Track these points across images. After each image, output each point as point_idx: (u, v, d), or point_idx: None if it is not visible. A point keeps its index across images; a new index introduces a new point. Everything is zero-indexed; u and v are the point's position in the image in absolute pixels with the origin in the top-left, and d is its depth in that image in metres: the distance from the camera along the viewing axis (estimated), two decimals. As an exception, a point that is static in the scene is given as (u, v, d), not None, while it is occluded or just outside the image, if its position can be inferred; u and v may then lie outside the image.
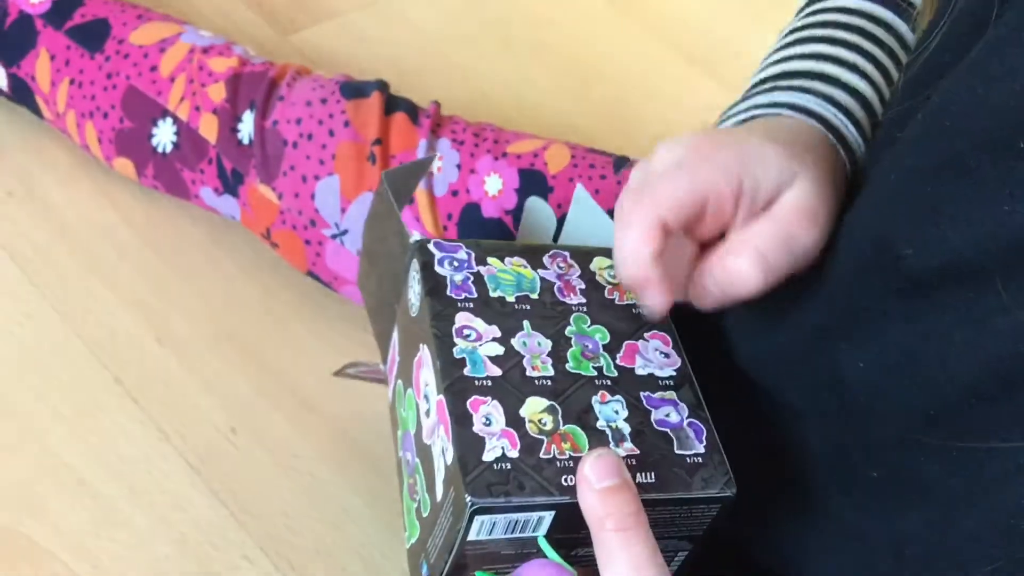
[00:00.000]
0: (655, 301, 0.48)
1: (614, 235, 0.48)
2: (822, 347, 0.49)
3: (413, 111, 0.77)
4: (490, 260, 0.55)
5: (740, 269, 0.48)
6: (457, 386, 0.48)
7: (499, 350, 0.50)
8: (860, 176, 0.52)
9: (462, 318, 0.51)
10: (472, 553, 0.46)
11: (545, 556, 0.47)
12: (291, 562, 0.70)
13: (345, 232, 0.75)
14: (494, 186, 0.74)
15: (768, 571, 0.55)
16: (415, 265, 0.54)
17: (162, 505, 0.71)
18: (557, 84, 1.07)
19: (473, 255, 0.55)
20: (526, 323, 0.52)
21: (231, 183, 0.78)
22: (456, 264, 0.54)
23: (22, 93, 0.84)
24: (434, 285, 0.53)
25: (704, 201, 0.47)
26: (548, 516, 0.45)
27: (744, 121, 0.54)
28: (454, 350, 0.50)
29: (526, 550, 0.47)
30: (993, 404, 0.42)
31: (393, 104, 0.77)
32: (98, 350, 0.78)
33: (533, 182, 0.74)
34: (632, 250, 0.47)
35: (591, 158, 0.76)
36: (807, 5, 0.60)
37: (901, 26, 0.57)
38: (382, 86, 0.78)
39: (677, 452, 0.48)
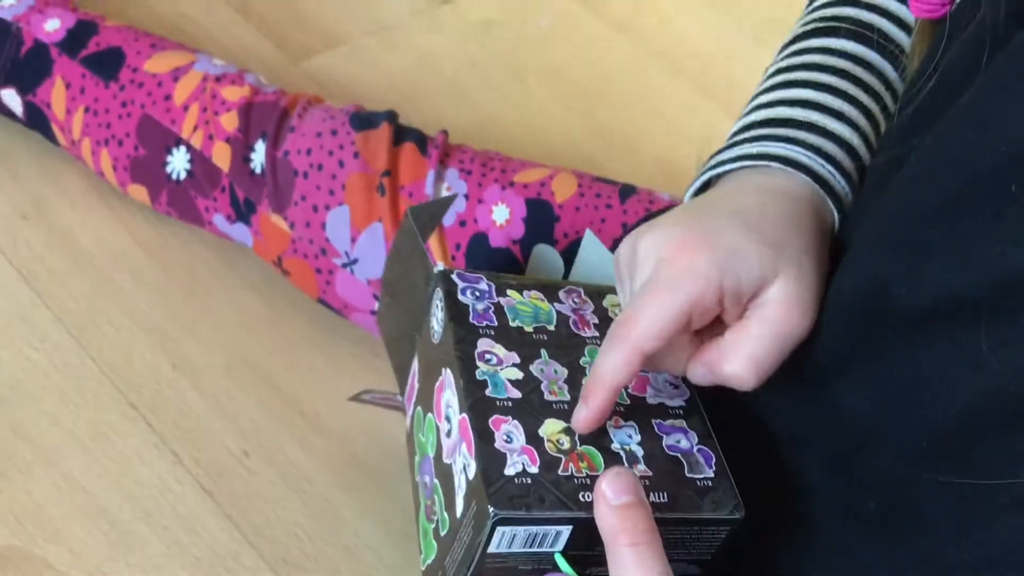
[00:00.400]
0: (588, 419, 0.49)
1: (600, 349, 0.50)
2: (821, 384, 0.51)
3: (422, 141, 0.78)
4: (509, 292, 0.57)
5: (736, 374, 0.49)
6: (480, 405, 0.50)
7: (519, 375, 0.52)
8: (850, 223, 0.53)
9: (484, 343, 0.54)
10: (491, 567, 0.48)
11: (560, 572, 0.48)
12: (304, 585, 0.71)
13: (355, 261, 0.76)
14: (501, 216, 0.75)
15: None
16: (439, 294, 0.57)
17: (176, 529, 0.72)
18: (564, 108, 1.09)
19: (494, 286, 0.57)
20: (543, 351, 0.54)
21: (244, 211, 0.79)
22: (478, 294, 0.56)
23: (38, 120, 0.86)
24: (457, 312, 0.55)
25: (688, 316, 0.48)
26: (566, 531, 0.47)
27: (732, 172, 0.55)
28: (476, 372, 0.52)
29: (542, 566, 0.48)
30: (986, 440, 0.42)
31: (402, 135, 0.78)
32: (113, 374, 0.79)
33: (540, 211, 0.75)
34: (608, 373, 0.48)
35: (597, 187, 0.77)
36: (789, 44, 0.60)
37: (886, 67, 0.58)
38: (391, 117, 0.79)
39: (688, 475, 0.50)
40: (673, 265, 0.49)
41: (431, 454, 0.55)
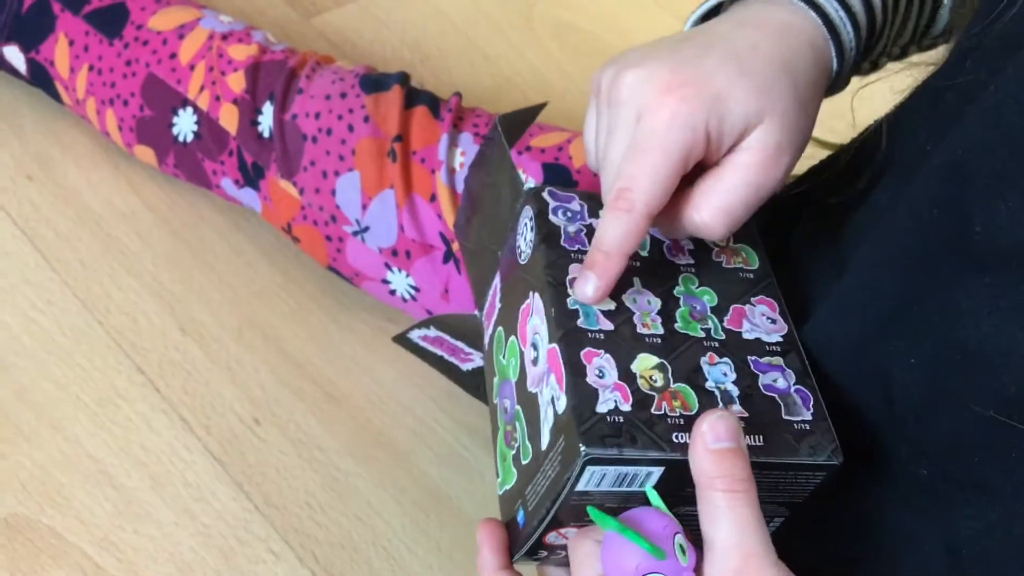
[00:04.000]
0: (602, 289, 0.49)
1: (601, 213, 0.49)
2: (875, 343, 0.49)
3: (435, 104, 0.76)
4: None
5: (705, 224, 0.49)
6: (572, 336, 0.48)
7: (611, 305, 0.50)
8: (892, 144, 0.52)
9: (575, 269, 0.51)
10: (577, 503, 0.46)
11: (647, 507, 0.46)
12: (316, 556, 0.70)
13: (366, 229, 0.74)
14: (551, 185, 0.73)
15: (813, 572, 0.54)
16: (528, 212, 0.54)
17: (186, 497, 0.71)
18: (581, 67, 1.06)
19: (586, 207, 0.55)
20: (636, 280, 0.51)
21: (252, 176, 0.77)
22: (570, 215, 0.54)
23: (41, 78, 0.84)
24: (548, 233, 0.52)
25: (683, 170, 0.48)
26: (657, 472, 0.45)
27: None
28: (568, 300, 0.50)
29: (628, 504, 0.47)
30: None
31: (414, 97, 0.76)
32: (120, 338, 0.78)
33: (557, 176, 0.73)
34: (617, 242, 0.48)
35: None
36: None
37: None
38: (402, 79, 0.77)
39: (785, 418, 0.48)
40: (657, 116, 0.47)
41: (513, 379, 0.53)
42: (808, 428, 0.47)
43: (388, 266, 0.75)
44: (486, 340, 0.60)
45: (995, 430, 0.43)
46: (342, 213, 0.75)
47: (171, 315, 0.79)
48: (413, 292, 0.76)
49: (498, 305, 0.58)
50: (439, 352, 0.64)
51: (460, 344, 0.63)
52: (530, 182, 0.54)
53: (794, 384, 0.49)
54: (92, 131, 0.88)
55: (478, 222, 0.62)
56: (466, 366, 0.64)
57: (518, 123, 0.60)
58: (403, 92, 0.75)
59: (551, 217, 0.53)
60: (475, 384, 0.64)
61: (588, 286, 0.48)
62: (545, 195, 0.54)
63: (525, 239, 0.54)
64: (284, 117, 0.75)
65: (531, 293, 0.52)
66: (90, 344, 0.77)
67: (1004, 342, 0.42)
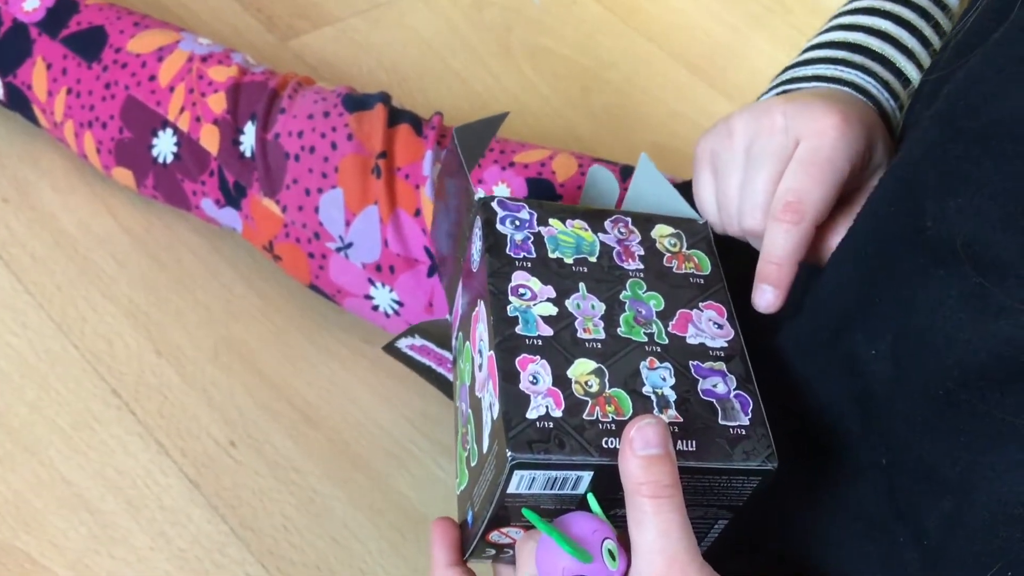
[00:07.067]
0: (780, 297, 0.53)
1: (764, 236, 0.53)
2: (842, 336, 0.50)
3: (417, 123, 0.77)
4: (551, 221, 0.55)
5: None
6: (508, 343, 0.49)
7: (552, 310, 0.51)
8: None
9: (519, 277, 0.52)
10: (512, 505, 0.47)
11: (584, 510, 0.47)
12: (292, 579, 0.70)
13: (349, 245, 0.75)
14: (502, 195, 0.74)
15: (784, 561, 0.55)
16: (478, 222, 0.55)
17: (161, 521, 0.71)
18: (558, 91, 1.07)
19: (536, 215, 0.55)
20: (582, 285, 0.52)
21: (233, 195, 0.77)
22: (518, 223, 0.55)
23: (18, 102, 0.83)
24: (494, 242, 0.53)
25: (844, 186, 0.52)
26: (587, 476, 0.46)
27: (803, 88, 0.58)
28: (508, 308, 0.50)
29: (566, 506, 0.47)
30: (1000, 388, 0.42)
31: (396, 116, 0.76)
32: (95, 361, 0.77)
33: (541, 190, 0.74)
34: (789, 254, 0.52)
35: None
36: None
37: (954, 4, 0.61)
38: (385, 98, 0.77)
39: (721, 423, 0.48)
40: (826, 135, 0.52)
41: (467, 383, 0.54)
42: (744, 433, 0.48)
43: (372, 281, 0.75)
44: (452, 343, 0.60)
45: (944, 413, 0.44)
46: (325, 230, 0.75)
47: (147, 338, 0.79)
48: (396, 307, 0.76)
49: (459, 312, 0.59)
50: (427, 362, 0.65)
51: (444, 353, 0.64)
52: (479, 193, 0.55)
53: (734, 389, 0.50)
54: (69, 154, 0.87)
55: (444, 231, 0.63)
56: (452, 376, 0.64)
57: (477, 135, 0.61)
58: (386, 111, 0.76)
59: (498, 226, 0.54)
60: None
61: (767, 296, 0.53)
62: (494, 205, 0.55)
63: (475, 247, 0.55)
64: (266, 136, 0.76)
65: (479, 301, 0.53)
66: (65, 367, 0.76)
67: (952, 328, 0.43)
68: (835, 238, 0.53)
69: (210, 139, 0.77)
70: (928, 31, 0.60)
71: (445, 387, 0.65)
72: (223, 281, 0.84)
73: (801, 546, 0.54)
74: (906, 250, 0.46)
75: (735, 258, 0.56)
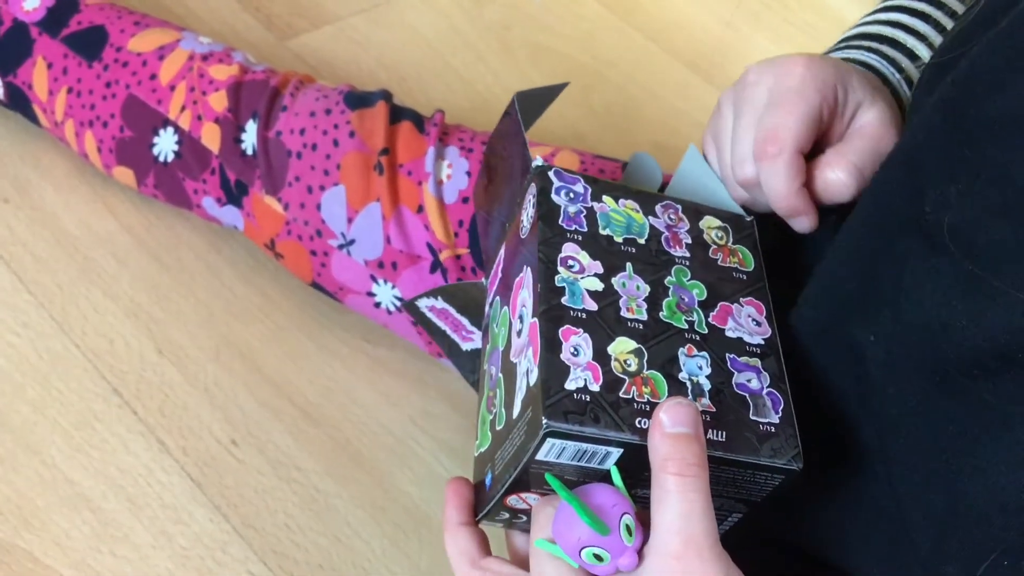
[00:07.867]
0: (809, 224, 0.55)
1: (760, 171, 0.54)
2: (842, 323, 0.51)
3: (419, 120, 0.77)
4: (605, 198, 0.55)
5: (839, 180, 0.54)
6: (553, 312, 0.49)
7: (599, 286, 0.51)
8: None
9: (569, 248, 0.52)
10: (536, 471, 0.47)
11: (608, 485, 0.47)
12: (295, 577, 0.70)
13: (352, 242, 0.75)
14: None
15: (798, 551, 0.55)
16: (532, 189, 0.55)
17: (163, 519, 0.71)
18: (557, 89, 1.07)
19: (590, 190, 0.55)
20: (629, 265, 0.53)
21: (235, 194, 0.77)
22: (572, 195, 0.55)
23: (19, 101, 0.83)
24: (547, 211, 0.53)
25: (820, 121, 0.53)
26: (615, 453, 0.46)
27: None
28: (556, 278, 0.51)
29: (588, 479, 0.47)
30: (994, 375, 0.42)
31: (398, 113, 0.76)
32: (97, 360, 0.77)
33: None
34: (783, 184, 0.53)
35: (600, 163, 0.76)
36: None
37: None
38: (386, 96, 0.77)
39: (752, 418, 0.48)
40: (792, 76, 0.54)
41: (501, 347, 0.54)
42: (773, 431, 0.48)
43: (374, 278, 0.75)
44: (487, 308, 0.60)
45: (939, 400, 0.44)
46: (327, 227, 0.75)
47: (148, 337, 0.79)
48: (398, 303, 0.76)
49: (499, 275, 0.59)
50: (443, 326, 0.65)
51: (463, 320, 0.64)
52: (537, 159, 0.56)
53: (767, 386, 0.50)
54: (69, 153, 0.87)
55: (492, 193, 0.63)
56: (466, 345, 0.64)
57: (536, 101, 0.61)
58: (388, 108, 0.76)
59: (553, 196, 0.54)
60: (471, 368, 0.64)
61: (799, 223, 0.55)
62: (551, 174, 0.55)
63: (527, 214, 0.55)
64: (268, 134, 0.76)
65: (525, 267, 0.53)
66: (66, 366, 0.76)
67: (945, 314, 0.44)
68: (832, 173, 0.54)
69: (211, 137, 0.77)
70: (944, 19, 0.61)
71: (455, 354, 0.65)
72: (223, 280, 0.84)
73: (811, 536, 0.54)
74: (905, 234, 0.47)
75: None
